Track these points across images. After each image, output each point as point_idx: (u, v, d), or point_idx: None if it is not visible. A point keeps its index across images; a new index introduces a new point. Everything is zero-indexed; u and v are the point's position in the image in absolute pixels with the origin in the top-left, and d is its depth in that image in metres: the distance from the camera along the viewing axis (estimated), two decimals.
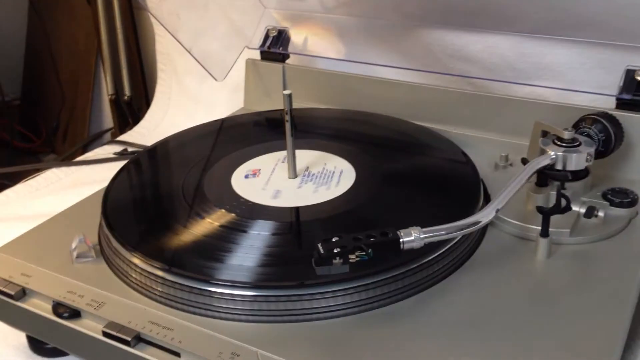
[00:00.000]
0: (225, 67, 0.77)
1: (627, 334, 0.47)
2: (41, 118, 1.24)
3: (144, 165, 0.65)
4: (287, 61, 0.79)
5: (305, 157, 0.62)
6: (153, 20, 1.00)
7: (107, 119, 1.16)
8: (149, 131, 0.97)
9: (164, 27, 0.68)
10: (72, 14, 1.14)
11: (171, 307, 0.47)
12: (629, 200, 0.54)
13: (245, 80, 0.81)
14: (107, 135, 1.12)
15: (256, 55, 0.80)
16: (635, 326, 0.53)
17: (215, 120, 0.73)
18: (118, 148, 0.90)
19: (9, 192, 0.80)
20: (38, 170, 0.85)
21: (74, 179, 0.83)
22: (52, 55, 1.18)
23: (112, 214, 0.55)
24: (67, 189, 0.79)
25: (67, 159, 0.92)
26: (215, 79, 0.77)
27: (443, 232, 0.46)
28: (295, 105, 0.58)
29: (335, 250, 0.43)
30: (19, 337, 0.55)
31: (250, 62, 0.80)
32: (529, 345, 0.42)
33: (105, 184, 0.60)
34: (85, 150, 0.95)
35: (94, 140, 1.11)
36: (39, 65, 1.22)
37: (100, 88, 1.15)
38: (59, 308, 0.48)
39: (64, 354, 0.53)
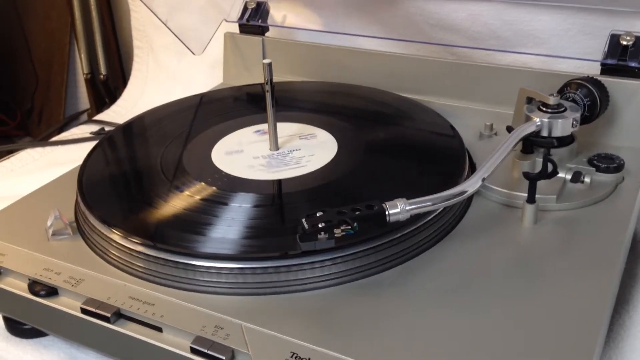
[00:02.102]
0: (203, 41, 0.76)
1: (615, 299, 0.47)
2: (14, 100, 1.21)
3: (121, 141, 0.64)
4: (266, 34, 0.77)
5: (286, 129, 0.61)
6: None
7: (83, 100, 1.13)
8: (126, 110, 0.95)
9: None
10: None
11: (152, 282, 0.45)
12: (615, 165, 0.53)
13: (224, 54, 0.79)
14: (84, 116, 1.10)
15: (235, 28, 0.78)
16: (623, 292, 0.52)
17: (194, 95, 0.71)
18: (94, 127, 0.88)
19: None
20: (12, 152, 0.83)
21: (49, 159, 0.81)
22: (25, 35, 1.15)
23: (88, 189, 0.53)
24: (43, 169, 0.77)
25: (42, 140, 0.90)
26: (193, 53, 0.75)
27: (429, 203, 0.45)
28: (276, 78, 0.57)
29: (320, 225, 0.42)
30: None
31: (228, 36, 0.78)
32: (515, 311, 0.41)
33: (78, 165, 0.58)
34: (61, 132, 0.93)
35: (70, 122, 1.09)
36: (11, 46, 1.19)
37: (75, 68, 1.12)
38: (35, 286, 0.47)
39: (42, 334, 0.52)
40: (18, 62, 1.18)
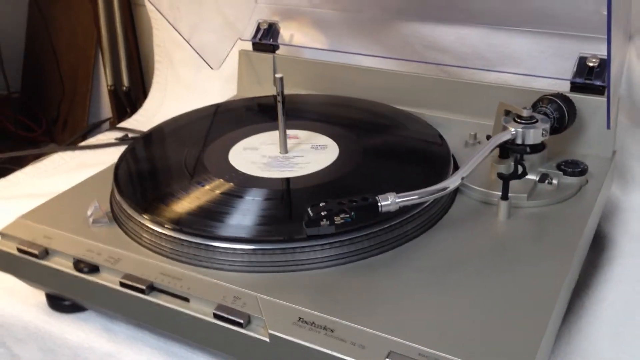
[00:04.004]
0: (220, 57, 0.83)
1: (574, 282, 0.55)
2: (42, 109, 1.29)
3: (149, 144, 0.72)
4: (277, 52, 0.85)
5: (294, 136, 0.69)
6: (150, 14, 1.05)
7: (106, 109, 1.21)
8: (147, 119, 1.02)
9: (166, 18, 0.74)
10: (72, 8, 1.19)
11: (179, 261, 0.53)
12: (580, 170, 0.61)
13: (239, 69, 0.87)
14: (106, 125, 1.18)
15: (248, 46, 0.86)
16: (585, 279, 0.60)
17: (212, 105, 0.79)
18: (119, 134, 0.96)
19: (19, 173, 0.85)
20: (42, 155, 0.91)
21: (79, 162, 0.88)
22: (53, 48, 1.23)
23: (123, 183, 0.61)
24: (74, 170, 0.84)
25: (69, 145, 0.98)
26: (212, 68, 0.83)
27: (415, 197, 0.52)
28: (285, 91, 0.64)
29: (322, 214, 0.49)
30: (38, 297, 0.60)
31: (243, 53, 0.86)
32: (488, 290, 0.48)
33: (109, 165, 0.66)
34: (85, 138, 1.00)
35: (93, 129, 1.17)
36: (40, 58, 1.26)
37: (99, 80, 1.20)
38: (79, 264, 0.54)
39: (80, 309, 0.59)
40: (46, 74, 1.26)
